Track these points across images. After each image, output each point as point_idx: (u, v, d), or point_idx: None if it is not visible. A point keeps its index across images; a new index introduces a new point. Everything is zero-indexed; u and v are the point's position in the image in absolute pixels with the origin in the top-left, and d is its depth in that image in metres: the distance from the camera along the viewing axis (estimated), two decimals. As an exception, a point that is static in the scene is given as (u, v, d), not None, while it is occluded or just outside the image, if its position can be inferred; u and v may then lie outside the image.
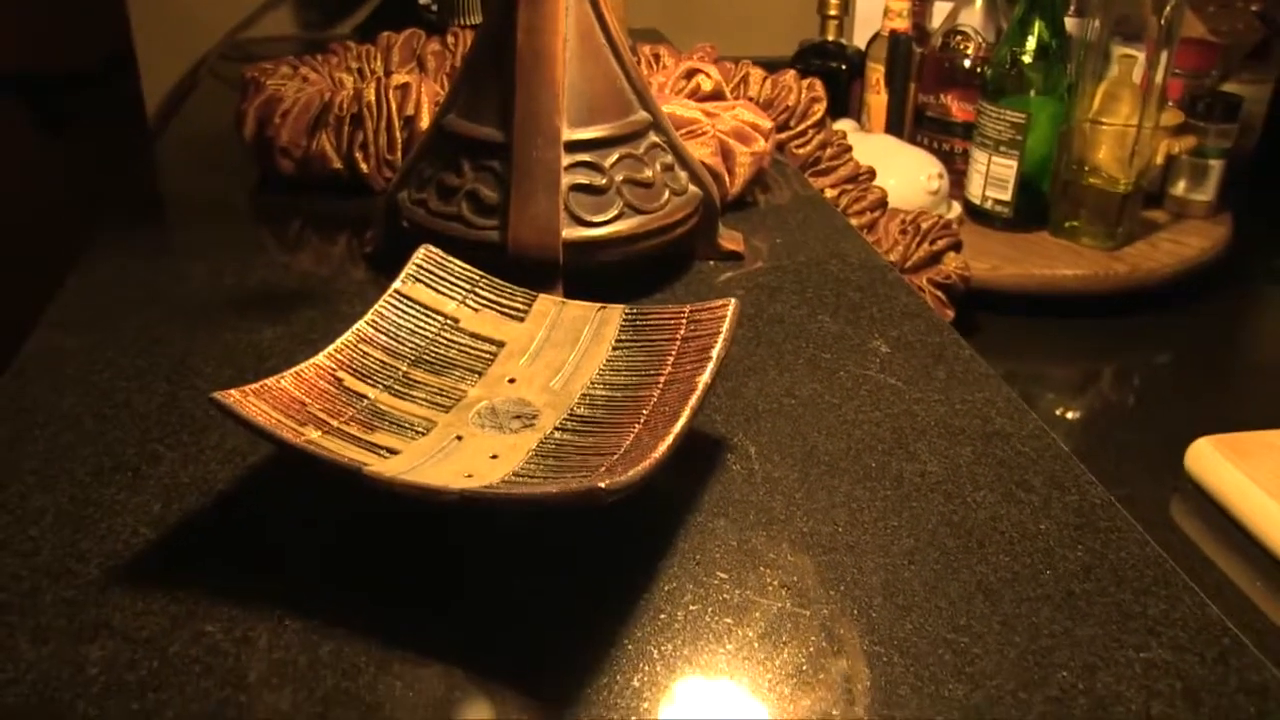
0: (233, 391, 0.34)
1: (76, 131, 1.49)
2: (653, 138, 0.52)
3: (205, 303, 0.52)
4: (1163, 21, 0.74)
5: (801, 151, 0.72)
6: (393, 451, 0.35)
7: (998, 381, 0.45)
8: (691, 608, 0.32)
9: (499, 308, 0.43)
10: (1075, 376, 0.77)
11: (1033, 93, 0.82)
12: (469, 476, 0.33)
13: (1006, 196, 0.84)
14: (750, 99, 0.70)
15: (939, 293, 0.71)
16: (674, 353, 0.39)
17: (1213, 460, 0.60)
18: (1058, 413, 0.71)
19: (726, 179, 0.60)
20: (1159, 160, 0.86)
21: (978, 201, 0.86)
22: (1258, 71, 1.05)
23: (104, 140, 1.44)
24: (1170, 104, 0.89)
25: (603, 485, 0.29)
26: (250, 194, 0.67)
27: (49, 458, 0.39)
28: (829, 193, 0.72)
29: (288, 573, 0.34)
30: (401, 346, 0.40)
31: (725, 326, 0.38)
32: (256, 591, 0.32)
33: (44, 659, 0.30)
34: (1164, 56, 0.76)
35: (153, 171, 0.78)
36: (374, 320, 0.40)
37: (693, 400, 0.34)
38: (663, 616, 0.32)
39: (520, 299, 0.43)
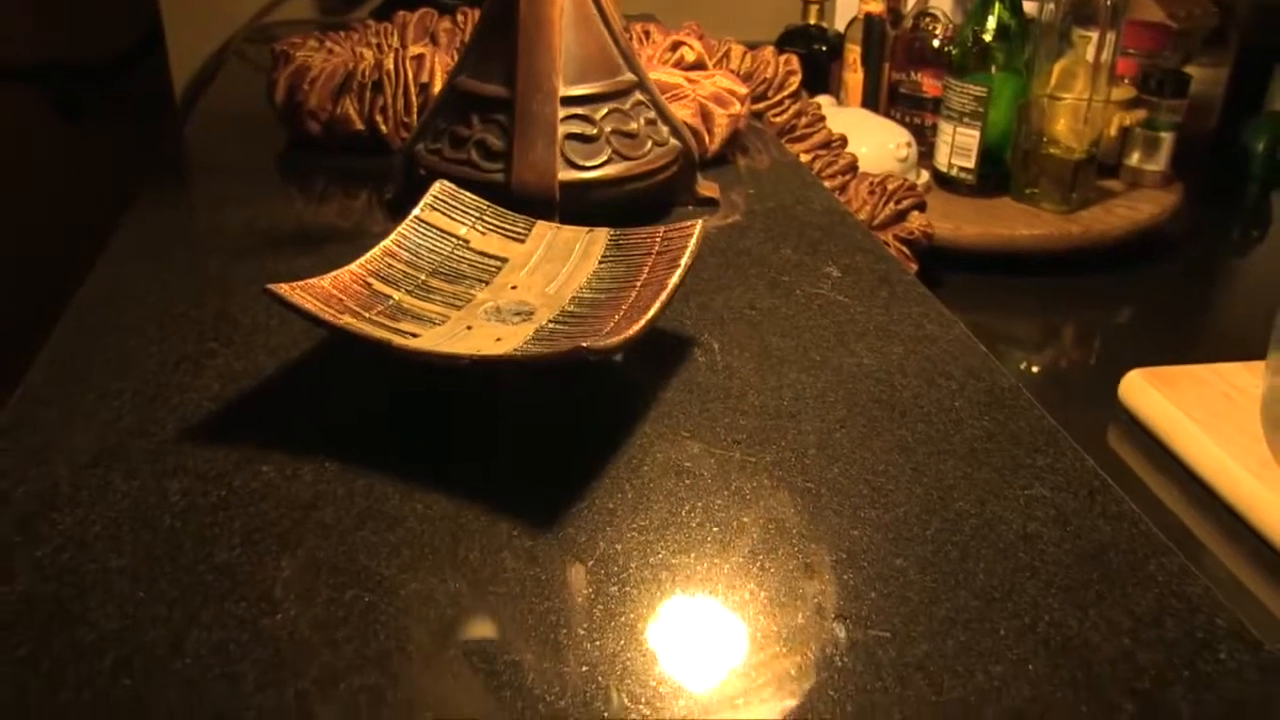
0: (282, 285, 0.41)
1: (96, 121, 1.57)
2: (638, 96, 0.59)
3: (244, 242, 0.59)
4: (1109, 2, 0.81)
5: (778, 120, 0.79)
6: (414, 335, 0.42)
7: (932, 299, 0.52)
8: (658, 455, 0.39)
9: (503, 231, 0.50)
10: (1030, 327, 0.84)
11: (994, 69, 0.89)
12: (478, 351, 0.41)
13: (970, 164, 0.91)
14: (731, 71, 0.77)
15: (904, 248, 0.78)
16: (649, 264, 0.46)
17: (1143, 390, 0.67)
18: (1012, 358, 0.78)
19: (706, 137, 0.67)
20: (1111, 132, 0.93)
21: (944, 169, 0.93)
22: (1215, 55, 1.12)
23: (126, 129, 1.52)
24: (1125, 81, 0.96)
25: (585, 345, 0.36)
26: (279, 156, 0.75)
27: (120, 355, 0.46)
28: (803, 158, 0.79)
29: (328, 433, 0.41)
30: (420, 260, 0.47)
31: (693, 241, 0.45)
32: (302, 445, 0.40)
33: (135, 490, 0.37)
34: (1111, 36, 0.83)
35: (185, 141, 0.85)
36: (398, 239, 0.48)
37: (663, 295, 0.42)
38: (634, 461, 0.39)
39: (521, 224, 0.50)
